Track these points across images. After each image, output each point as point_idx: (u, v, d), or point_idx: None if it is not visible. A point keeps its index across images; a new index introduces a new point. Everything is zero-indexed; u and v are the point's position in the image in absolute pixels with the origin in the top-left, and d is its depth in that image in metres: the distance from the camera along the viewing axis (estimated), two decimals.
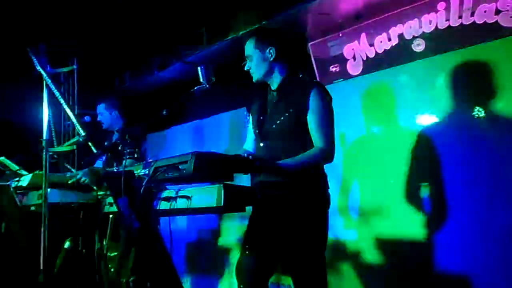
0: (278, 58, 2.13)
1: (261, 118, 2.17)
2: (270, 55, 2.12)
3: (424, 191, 2.80)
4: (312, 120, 2.01)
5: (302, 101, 2.02)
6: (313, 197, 2.01)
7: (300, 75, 2.17)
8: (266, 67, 2.13)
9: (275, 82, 2.16)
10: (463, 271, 2.55)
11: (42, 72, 2.53)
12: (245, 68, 2.18)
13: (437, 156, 2.74)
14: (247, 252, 2.08)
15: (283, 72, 2.15)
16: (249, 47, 2.15)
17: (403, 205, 2.88)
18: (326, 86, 2.14)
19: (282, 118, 2.06)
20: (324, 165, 2.12)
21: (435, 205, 2.75)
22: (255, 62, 2.13)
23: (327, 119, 2.02)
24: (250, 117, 2.31)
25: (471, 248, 2.54)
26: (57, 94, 2.55)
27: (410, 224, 2.82)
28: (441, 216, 2.69)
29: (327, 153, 2.00)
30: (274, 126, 2.08)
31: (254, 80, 2.18)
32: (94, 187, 2.94)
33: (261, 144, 2.15)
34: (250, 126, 2.29)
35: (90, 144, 2.67)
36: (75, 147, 2.58)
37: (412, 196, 2.85)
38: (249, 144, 2.30)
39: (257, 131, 2.19)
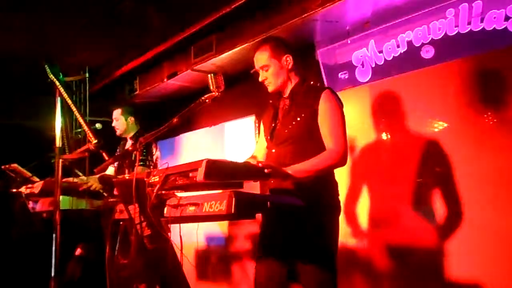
0: (293, 66, 2.13)
1: (273, 125, 2.17)
2: (286, 63, 2.11)
3: (434, 198, 2.78)
4: (322, 124, 2.01)
5: (313, 106, 2.03)
6: (323, 204, 2.01)
7: (311, 82, 2.17)
8: (284, 75, 2.12)
9: (288, 89, 2.16)
10: (475, 279, 2.52)
11: (55, 80, 2.57)
12: (260, 79, 2.15)
13: (447, 163, 2.72)
14: (261, 262, 2.09)
15: (296, 79, 2.16)
16: (264, 58, 2.11)
17: (413, 212, 2.86)
18: None
19: (293, 123, 2.06)
20: (335, 171, 2.12)
21: (445, 212, 2.73)
22: (273, 72, 2.10)
23: (337, 122, 2.01)
24: (262, 125, 2.32)
25: (484, 256, 2.52)
26: (69, 102, 2.58)
27: (421, 231, 2.80)
28: (452, 223, 2.67)
29: (339, 155, 1.97)
30: (286, 131, 2.09)
31: (270, 90, 2.15)
32: (105, 194, 2.97)
33: (273, 150, 2.15)
34: (262, 134, 2.30)
35: (101, 151, 2.70)
36: (86, 154, 2.60)
37: (421, 202, 2.84)
38: (258, 150, 2.32)
39: (269, 137, 2.19)
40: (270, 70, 2.11)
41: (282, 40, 2.20)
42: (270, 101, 2.24)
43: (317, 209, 1.96)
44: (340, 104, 2.07)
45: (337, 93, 2.13)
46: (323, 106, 2.02)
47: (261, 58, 2.12)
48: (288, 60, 2.11)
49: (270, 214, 2.05)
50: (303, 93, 2.10)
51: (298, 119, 2.05)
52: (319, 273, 1.98)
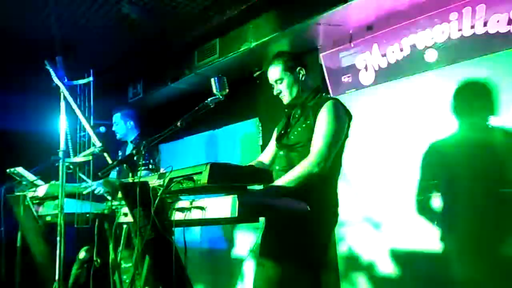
0: (306, 78, 2.20)
1: (282, 132, 2.23)
2: (300, 75, 2.19)
3: (438, 202, 2.78)
4: (315, 132, 2.05)
5: (316, 114, 2.07)
6: (321, 213, 2.02)
7: (323, 94, 2.24)
8: (298, 87, 2.19)
9: (301, 99, 2.22)
10: (478, 283, 2.51)
11: (60, 84, 2.58)
12: (275, 93, 2.23)
13: (450, 166, 2.72)
14: (260, 265, 2.10)
15: (308, 90, 2.22)
16: (277, 71, 2.19)
17: (417, 215, 2.86)
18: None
19: (299, 129, 2.12)
20: (338, 180, 2.14)
21: (449, 215, 2.72)
22: (287, 85, 2.18)
23: (327, 132, 2.02)
24: (275, 131, 2.37)
25: (486, 260, 2.51)
26: (74, 106, 2.59)
27: (424, 235, 2.79)
28: (455, 227, 2.67)
29: (313, 164, 1.95)
30: (292, 137, 2.15)
31: (285, 102, 2.23)
32: (109, 198, 2.98)
33: (281, 153, 2.21)
34: (272, 139, 2.36)
35: (105, 154, 2.71)
36: (90, 157, 2.61)
37: (425, 206, 2.83)
38: (265, 154, 2.38)
39: (277, 142, 2.26)
40: (284, 83, 2.18)
41: (294, 54, 2.30)
42: (286, 110, 2.30)
43: (313, 217, 1.97)
44: (339, 116, 2.07)
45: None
46: (320, 115, 2.06)
47: (275, 72, 2.20)
48: (301, 72, 2.19)
49: (272, 217, 2.06)
50: (314, 103, 2.15)
51: (304, 125, 2.11)
52: (297, 282, 1.97)
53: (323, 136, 2.01)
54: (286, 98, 2.21)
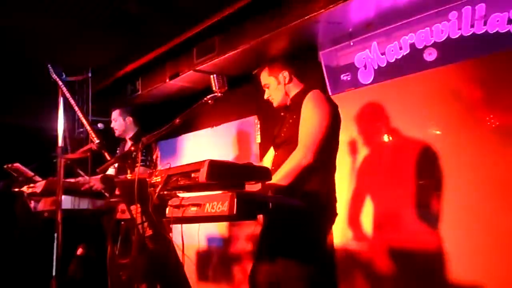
0: (292, 80, 2.24)
1: (276, 133, 2.28)
2: (284, 79, 2.23)
3: (437, 201, 2.78)
4: (299, 127, 2.08)
5: (300, 111, 2.11)
6: (317, 210, 2.03)
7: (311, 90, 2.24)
8: (282, 90, 2.25)
9: (289, 100, 2.28)
10: (476, 281, 2.52)
11: (58, 80, 2.57)
12: (265, 97, 2.30)
13: (449, 166, 2.72)
14: (257, 262, 2.11)
15: (296, 91, 2.26)
16: (264, 76, 2.27)
17: (415, 214, 2.86)
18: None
19: (287, 125, 2.17)
20: (335, 177, 2.14)
21: (448, 215, 2.72)
22: (273, 88, 2.25)
23: (308, 123, 2.06)
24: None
25: (484, 258, 2.51)
26: (72, 102, 2.59)
27: (422, 234, 2.80)
28: (454, 226, 2.67)
29: (300, 157, 2.01)
30: (282, 135, 2.20)
31: (274, 106, 2.30)
32: (107, 194, 2.97)
33: (276, 153, 2.27)
34: None
35: (103, 151, 2.70)
36: (89, 154, 2.61)
37: (423, 205, 2.83)
38: (266, 156, 2.43)
39: (272, 142, 2.32)
40: (270, 88, 2.27)
41: (282, 58, 2.38)
42: (282, 114, 2.34)
43: (310, 214, 1.97)
44: (318, 105, 2.09)
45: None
46: (303, 107, 2.10)
47: (263, 77, 2.29)
48: (285, 75, 2.24)
49: (270, 215, 2.07)
50: (299, 100, 2.17)
51: (291, 121, 2.16)
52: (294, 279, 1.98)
53: (305, 128, 2.06)
54: (274, 102, 2.29)
